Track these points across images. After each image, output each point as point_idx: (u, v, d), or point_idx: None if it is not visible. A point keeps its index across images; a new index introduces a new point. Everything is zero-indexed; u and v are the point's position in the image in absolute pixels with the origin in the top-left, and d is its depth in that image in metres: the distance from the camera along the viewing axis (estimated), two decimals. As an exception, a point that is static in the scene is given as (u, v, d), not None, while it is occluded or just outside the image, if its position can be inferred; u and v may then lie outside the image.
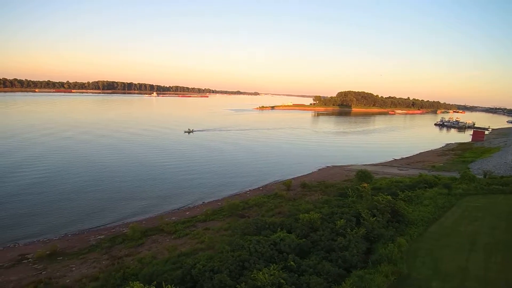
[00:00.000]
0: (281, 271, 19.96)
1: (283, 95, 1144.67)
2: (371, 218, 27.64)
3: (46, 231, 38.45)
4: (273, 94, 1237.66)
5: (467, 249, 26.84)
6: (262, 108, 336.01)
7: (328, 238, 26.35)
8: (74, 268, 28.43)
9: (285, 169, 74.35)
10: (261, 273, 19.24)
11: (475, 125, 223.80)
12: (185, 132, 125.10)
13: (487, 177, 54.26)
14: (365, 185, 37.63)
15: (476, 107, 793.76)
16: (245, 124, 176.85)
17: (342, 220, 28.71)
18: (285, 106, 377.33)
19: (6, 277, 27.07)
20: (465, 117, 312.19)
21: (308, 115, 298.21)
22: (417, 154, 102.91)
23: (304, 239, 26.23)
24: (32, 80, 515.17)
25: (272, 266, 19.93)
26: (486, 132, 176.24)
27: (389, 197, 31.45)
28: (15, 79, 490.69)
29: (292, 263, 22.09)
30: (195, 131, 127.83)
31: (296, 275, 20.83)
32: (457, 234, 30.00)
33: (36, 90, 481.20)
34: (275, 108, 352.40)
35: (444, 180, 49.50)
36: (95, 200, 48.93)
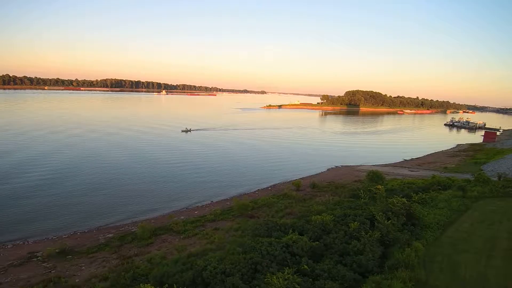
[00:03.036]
0: (295, 275, 19.32)
1: (290, 94, 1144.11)
2: (386, 221, 26.81)
3: (55, 229, 38.42)
4: (280, 93, 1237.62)
5: (485, 254, 25.92)
6: (269, 107, 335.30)
7: (342, 241, 25.63)
8: (83, 267, 28.18)
9: (294, 169, 73.63)
10: (275, 277, 18.63)
11: (486, 126, 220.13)
12: (182, 131, 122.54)
13: (501, 179, 52.84)
14: (379, 186, 36.76)
15: (486, 107, 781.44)
16: (252, 123, 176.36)
17: (355, 222, 27.94)
18: (292, 105, 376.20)
19: (15, 275, 26.90)
20: (475, 118, 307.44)
21: (316, 114, 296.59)
22: (427, 155, 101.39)
23: (317, 242, 25.52)
24: (41, 78, 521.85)
25: (286, 270, 19.29)
26: (498, 133, 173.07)
27: (404, 199, 30.59)
28: (25, 77, 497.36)
29: (305, 266, 21.43)
30: (192, 130, 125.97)
31: (310, 279, 20.19)
32: (474, 238, 29.06)
33: (46, 88, 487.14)
34: (283, 107, 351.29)
35: (458, 182, 48.29)
36: (104, 198, 48.87)
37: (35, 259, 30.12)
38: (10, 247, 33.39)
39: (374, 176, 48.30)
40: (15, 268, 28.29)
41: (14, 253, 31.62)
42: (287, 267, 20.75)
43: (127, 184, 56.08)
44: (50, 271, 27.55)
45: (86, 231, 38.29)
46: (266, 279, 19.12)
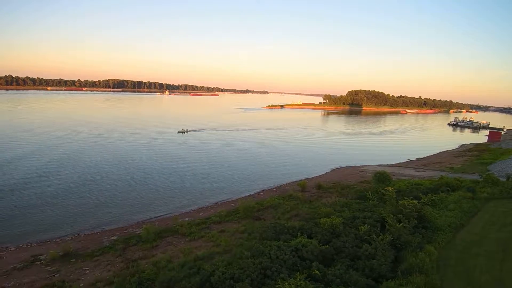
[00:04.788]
0: (306, 281, 18.67)
1: (292, 93, 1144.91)
2: (397, 224, 26.12)
3: (59, 231, 37.85)
4: (281, 93, 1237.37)
5: (499, 258, 25.25)
6: (272, 106, 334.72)
7: (352, 244, 24.98)
8: (87, 271, 27.60)
9: (298, 169, 72.96)
10: (286, 283, 18.02)
11: (490, 125, 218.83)
12: (179, 132, 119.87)
13: (510, 180, 51.97)
14: (389, 188, 36.00)
15: (489, 106, 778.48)
16: (255, 123, 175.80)
17: (365, 225, 27.30)
18: (294, 105, 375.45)
19: (18, 279, 26.34)
20: (478, 117, 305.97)
21: (318, 114, 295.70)
22: (433, 155, 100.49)
23: (326, 246, 24.87)
24: (44, 78, 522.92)
25: (299, 276, 18.64)
26: (502, 133, 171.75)
27: (415, 201, 29.89)
28: (28, 77, 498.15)
29: (316, 271, 20.78)
30: (192, 130, 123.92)
31: (322, 285, 19.58)
32: (487, 241, 28.37)
33: (48, 88, 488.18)
34: (285, 107, 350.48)
35: (467, 183, 47.57)
36: (106, 200, 48.29)
37: (39, 262, 29.53)
38: (13, 249, 32.84)
39: (381, 177, 47.52)
40: (18, 272, 27.73)
41: (17, 256, 31.08)
42: (298, 272, 20.14)
43: (130, 185, 55.48)
44: (53, 275, 26.98)
45: (89, 233, 37.71)
46: (277, 286, 18.50)
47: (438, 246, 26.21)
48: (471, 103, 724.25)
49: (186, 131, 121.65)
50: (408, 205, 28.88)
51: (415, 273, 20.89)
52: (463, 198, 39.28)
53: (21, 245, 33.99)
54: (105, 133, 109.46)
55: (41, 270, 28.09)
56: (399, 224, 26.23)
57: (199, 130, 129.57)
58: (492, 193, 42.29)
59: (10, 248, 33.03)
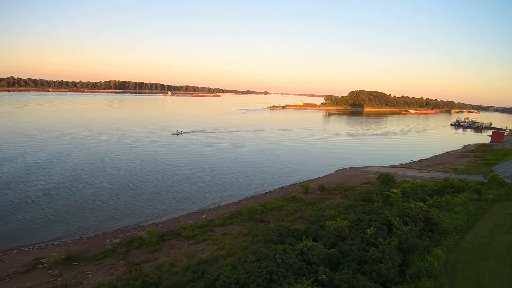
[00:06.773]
0: (314, 286, 18.27)
1: (293, 94, 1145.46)
2: (404, 227, 25.67)
3: (61, 234, 37.60)
4: (282, 94, 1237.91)
5: (509, 261, 24.77)
6: (273, 107, 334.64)
7: (359, 248, 24.52)
8: (90, 275, 27.28)
9: (301, 171, 72.51)
10: (294, 289, 17.63)
11: (492, 126, 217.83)
12: (173, 133, 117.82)
13: (516, 181, 51.35)
14: (396, 190, 35.50)
15: (491, 107, 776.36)
16: (257, 124, 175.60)
17: (371, 228, 26.85)
18: (296, 105, 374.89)
19: (20, 283, 26.06)
20: (480, 117, 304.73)
21: (320, 115, 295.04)
22: (436, 155, 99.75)
23: (332, 249, 24.46)
24: (45, 79, 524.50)
25: (306, 282, 18.24)
26: (505, 133, 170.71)
27: (422, 203, 29.41)
28: (29, 79, 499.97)
29: (323, 276, 20.34)
30: (184, 132, 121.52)
31: (330, 290, 19.17)
32: (495, 244, 27.88)
33: (50, 90, 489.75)
34: (286, 107, 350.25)
35: (472, 185, 47.02)
36: (108, 202, 48.01)
37: (41, 266, 29.27)
38: (15, 253, 32.60)
39: (386, 178, 46.98)
40: (20, 276, 27.46)
41: (19, 259, 30.83)
42: (304, 277, 19.74)
43: (132, 187, 55.20)
44: (56, 279, 26.67)
45: (92, 236, 37.41)
46: (284, 291, 18.11)
47: (446, 249, 25.78)
48: (473, 104, 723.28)
49: (181, 133, 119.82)
50: (415, 207, 28.42)
51: (423, 278, 20.50)
52: (469, 200, 38.76)
53: (23, 248, 33.73)
54: (110, 137, 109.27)
55: (43, 273, 27.81)
56: (406, 227, 25.76)
57: (198, 131, 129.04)
58: (498, 194, 41.73)
59: (12, 252, 32.79)
